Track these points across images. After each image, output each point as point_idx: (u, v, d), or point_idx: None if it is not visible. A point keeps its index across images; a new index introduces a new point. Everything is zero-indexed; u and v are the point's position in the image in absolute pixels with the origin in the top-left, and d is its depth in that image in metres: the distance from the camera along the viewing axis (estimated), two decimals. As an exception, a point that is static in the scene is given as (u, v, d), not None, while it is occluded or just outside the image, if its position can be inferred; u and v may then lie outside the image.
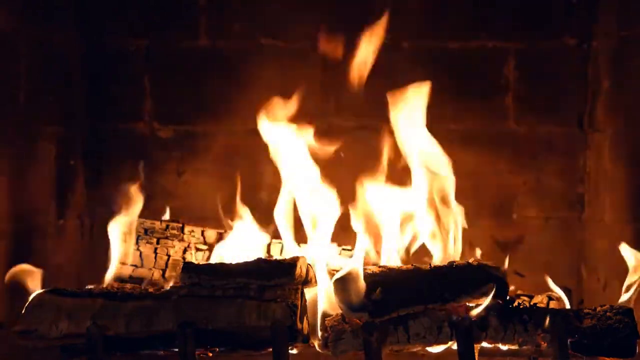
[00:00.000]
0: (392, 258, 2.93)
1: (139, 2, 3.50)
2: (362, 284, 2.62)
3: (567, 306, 2.90)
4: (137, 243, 3.07)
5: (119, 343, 2.64)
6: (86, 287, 2.91)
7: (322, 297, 2.77)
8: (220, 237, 3.08)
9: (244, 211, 3.06)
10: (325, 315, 2.73)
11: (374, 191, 3.03)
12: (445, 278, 2.67)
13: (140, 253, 3.07)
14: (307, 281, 2.72)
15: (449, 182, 2.98)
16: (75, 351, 2.65)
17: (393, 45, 3.46)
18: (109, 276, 2.97)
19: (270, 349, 2.59)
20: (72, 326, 2.63)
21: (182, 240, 3.09)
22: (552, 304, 2.87)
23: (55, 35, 3.32)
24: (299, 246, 3.00)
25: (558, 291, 2.90)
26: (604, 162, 3.35)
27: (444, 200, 2.98)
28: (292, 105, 3.19)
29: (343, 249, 3.05)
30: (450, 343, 2.65)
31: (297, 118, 3.48)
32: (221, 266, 2.72)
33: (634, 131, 3.18)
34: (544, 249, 3.52)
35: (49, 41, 3.27)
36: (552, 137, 3.51)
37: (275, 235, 3.06)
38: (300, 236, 3.02)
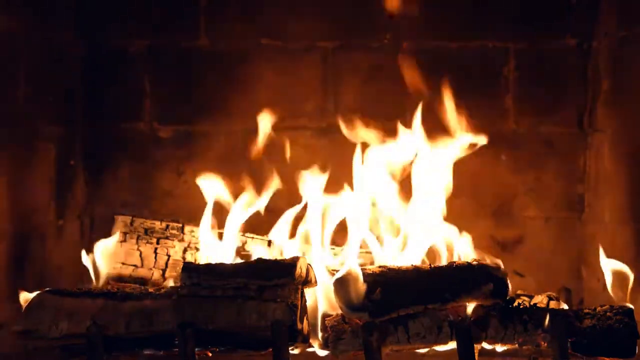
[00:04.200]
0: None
1: (139, 2, 3.50)
2: (362, 284, 2.62)
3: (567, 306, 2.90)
4: (137, 243, 3.07)
5: (119, 343, 2.64)
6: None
7: (322, 297, 2.77)
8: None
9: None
10: (325, 315, 2.73)
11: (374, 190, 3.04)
12: (445, 278, 2.67)
13: (140, 253, 3.07)
14: (307, 281, 2.72)
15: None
16: (75, 351, 2.65)
17: (393, 46, 3.47)
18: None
19: (270, 349, 2.59)
20: (72, 326, 2.63)
21: (182, 240, 3.09)
22: (552, 304, 2.87)
23: (55, 35, 3.32)
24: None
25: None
26: (604, 162, 3.35)
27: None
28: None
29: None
30: (450, 343, 2.65)
31: (298, 118, 3.50)
32: (221, 266, 2.72)
33: (634, 131, 3.18)
34: (544, 249, 3.52)
35: (49, 41, 3.26)
36: (552, 137, 3.51)
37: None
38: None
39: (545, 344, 2.64)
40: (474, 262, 2.73)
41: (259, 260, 2.76)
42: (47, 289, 2.75)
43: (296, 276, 2.65)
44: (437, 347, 2.68)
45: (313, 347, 2.71)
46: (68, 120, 3.42)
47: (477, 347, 2.64)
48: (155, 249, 3.07)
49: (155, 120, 3.53)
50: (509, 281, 2.71)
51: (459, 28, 3.49)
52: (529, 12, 3.47)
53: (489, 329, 2.65)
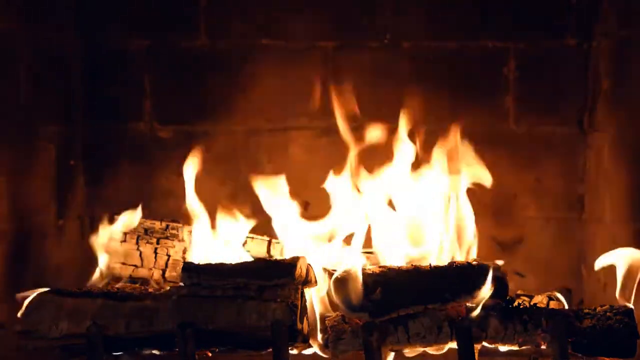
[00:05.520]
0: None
1: (139, 2, 3.50)
2: (361, 284, 2.62)
3: (567, 306, 2.90)
4: (137, 243, 3.07)
5: (119, 343, 2.64)
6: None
7: (321, 298, 2.77)
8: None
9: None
10: (325, 316, 2.73)
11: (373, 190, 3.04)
12: (445, 278, 2.67)
13: (140, 253, 3.07)
14: (307, 281, 2.72)
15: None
16: (75, 351, 2.65)
17: (393, 45, 3.47)
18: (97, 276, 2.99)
19: (270, 349, 2.58)
20: (72, 326, 2.63)
21: (182, 240, 3.09)
22: (552, 304, 2.87)
23: (55, 35, 3.32)
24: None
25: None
26: (604, 162, 3.35)
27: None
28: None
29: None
30: (450, 343, 2.65)
31: (298, 118, 3.50)
32: (221, 266, 2.72)
33: (634, 131, 3.18)
34: (544, 249, 3.52)
35: (49, 41, 3.26)
36: (552, 137, 3.51)
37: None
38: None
39: (545, 344, 2.64)
40: (474, 262, 2.73)
41: (259, 260, 2.77)
42: (47, 289, 2.75)
43: (296, 276, 2.65)
44: (437, 347, 2.68)
45: (313, 347, 2.71)
46: (68, 120, 3.42)
47: (477, 347, 2.64)
48: (155, 249, 3.07)
49: (155, 120, 3.53)
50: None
51: (459, 28, 3.49)
52: (529, 12, 3.47)
53: (489, 329, 2.65)
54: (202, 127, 3.53)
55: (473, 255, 2.93)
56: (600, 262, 2.82)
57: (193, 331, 2.57)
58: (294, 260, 2.69)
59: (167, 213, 3.30)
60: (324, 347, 2.67)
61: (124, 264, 3.06)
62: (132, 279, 3.05)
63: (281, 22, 3.48)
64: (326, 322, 2.70)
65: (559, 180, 3.52)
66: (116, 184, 3.50)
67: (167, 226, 3.11)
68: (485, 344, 2.67)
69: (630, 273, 2.76)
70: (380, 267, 2.72)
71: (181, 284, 2.70)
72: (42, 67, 3.22)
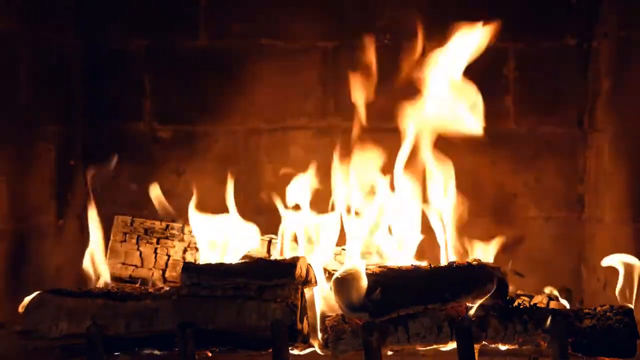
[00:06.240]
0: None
1: (139, 2, 3.50)
2: (362, 284, 2.62)
3: (567, 306, 2.90)
4: (137, 243, 3.07)
5: (119, 343, 2.64)
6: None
7: (321, 298, 2.77)
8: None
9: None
10: (325, 316, 2.73)
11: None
12: (445, 278, 2.67)
13: (140, 253, 3.07)
14: (307, 281, 2.72)
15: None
16: (75, 351, 2.65)
17: (393, 45, 3.47)
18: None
19: (270, 349, 2.59)
20: (72, 326, 2.63)
21: (182, 240, 3.09)
22: (552, 304, 2.87)
23: (55, 35, 3.32)
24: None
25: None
26: (604, 162, 3.35)
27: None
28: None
29: (343, 249, 3.04)
30: (450, 343, 2.65)
31: (298, 118, 3.50)
32: (221, 266, 2.72)
33: (634, 131, 3.18)
34: (544, 249, 3.52)
35: (49, 41, 3.27)
36: (552, 137, 3.51)
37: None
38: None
39: (545, 344, 2.64)
40: (474, 262, 2.73)
41: (259, 260, 2.77)
42: (47, 289, 2.75)
43: (296, 276, 2.65)
44: (437, 346, 2.68)
45: (313, 347, 2.71)
46: (68, 120, 3.42)
47: (477, 347, 2.64)
48: (155, 249, 3.08)
49: (155, 120, 3.53)
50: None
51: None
52: (529, 12, 3.47)
53: (489, 329, 2.65)
54: (202, 127, 3.53)
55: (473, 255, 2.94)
56: (606, 262, 2.82)
57: (193, 331, 2.57)
58: (294, 260, 2.69)
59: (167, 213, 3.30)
60: (324, 347, 2.67)
61: (124, 264, 3.06)
62: (132, 279, 3.05)
63: (281, 22, 3.48)
64: (326, 322, 2.70)
65: (559, 180, 3.52)
66: (116, 184, 3.50)
67: (167, 226, 3.11)
68: (485, 343, 2.67)
69: (629, 277, 2.77)
70: (380, 267, 2.72)
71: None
72: (42, 67, 3.22)
